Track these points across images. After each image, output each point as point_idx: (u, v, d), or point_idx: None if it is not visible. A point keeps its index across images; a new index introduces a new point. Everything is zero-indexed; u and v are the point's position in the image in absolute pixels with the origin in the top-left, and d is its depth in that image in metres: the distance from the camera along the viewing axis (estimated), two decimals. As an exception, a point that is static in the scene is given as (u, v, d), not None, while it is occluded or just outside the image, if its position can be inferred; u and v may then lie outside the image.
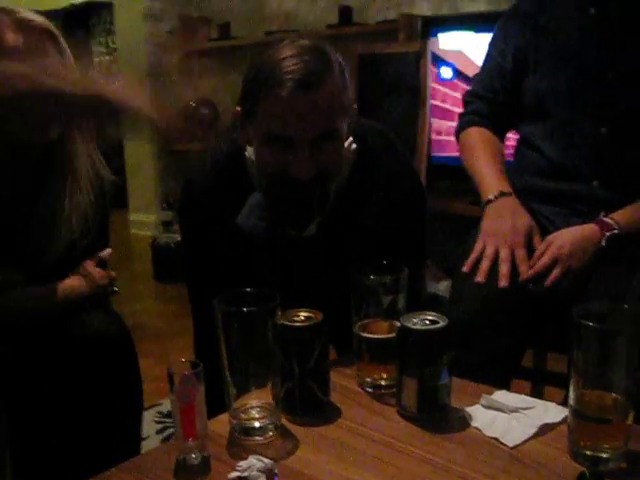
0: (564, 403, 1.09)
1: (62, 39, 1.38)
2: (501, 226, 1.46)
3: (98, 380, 1.38)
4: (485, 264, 1.41)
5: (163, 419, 2.30)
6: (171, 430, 2.21)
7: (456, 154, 1.76)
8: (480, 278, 1.40)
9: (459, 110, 1.78)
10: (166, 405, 2.33)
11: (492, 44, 1.66)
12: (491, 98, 1.64)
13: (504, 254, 1.41)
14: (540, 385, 1.84)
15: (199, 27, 4.44)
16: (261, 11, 4.15)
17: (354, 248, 1.33)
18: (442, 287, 2.87)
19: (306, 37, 1.27)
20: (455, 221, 2.73)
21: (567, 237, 1.41)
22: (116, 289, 1.59)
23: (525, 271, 1.39)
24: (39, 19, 1.34)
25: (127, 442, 1.42)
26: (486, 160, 1.58)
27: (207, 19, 4.43)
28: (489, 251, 1.43)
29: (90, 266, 1.51)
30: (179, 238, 4.00)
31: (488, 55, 1.67)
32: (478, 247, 1.45)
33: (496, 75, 1.63)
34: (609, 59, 1.48)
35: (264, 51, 1.25)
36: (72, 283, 1.46)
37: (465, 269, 1.44)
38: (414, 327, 1.03)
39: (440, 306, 1.62)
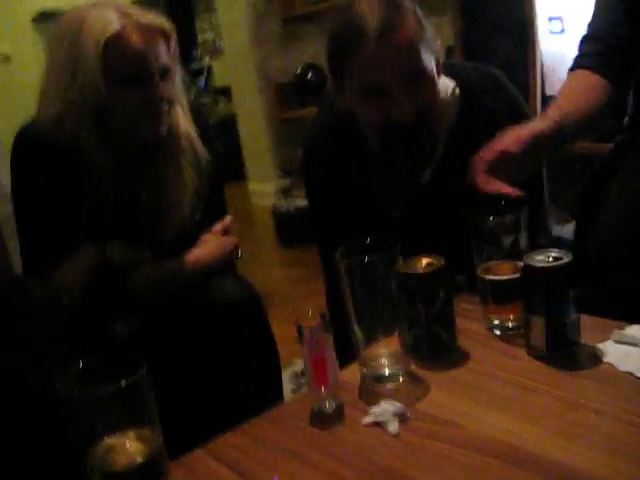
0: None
1: (174, 35, 1.42)
2: None
3: (234, 343, 1.44)
4: None
5: (297, 379, 2.37)
6: (306, 389, 2.28)
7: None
8: None
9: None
10: (300, 365, 2.40)
11: None
12: (609, 35, 1.48)
13: None
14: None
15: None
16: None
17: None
18: (567, 230, 2.78)
19: None
20: (576, 161, 2.63)
21: None
22: (241, 254, 1.65)
23: None
24: (157, 20, 1.38)
25: (270, 401, 1.48)
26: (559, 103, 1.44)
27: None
28: None
29: (212, 235, 1.57)
30: (299, 203, 4.09)
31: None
32: None
33: (615, 12, 1.48)
34: None
35: (339, 13, 1.31)
36: (197, 253, 1.53)
37: None
38: (538, 265, 1.01)
39: (565, 248, 1.58)
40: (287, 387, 2.30)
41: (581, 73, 1.49)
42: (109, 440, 0.74)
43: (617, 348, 1.03)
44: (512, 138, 1.26)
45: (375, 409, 0.95)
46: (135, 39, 1.32)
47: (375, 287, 1.00)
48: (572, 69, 1.53)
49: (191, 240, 1.53)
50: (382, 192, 1.41)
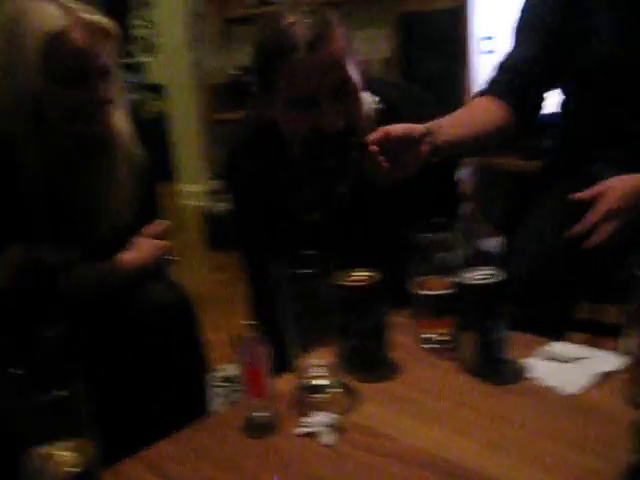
0: (619, 352, 1.10)
1: (118, 36, 1.40)
2: None
3: (163, 348, 1.43)
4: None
5: (224, 384, 2.35)
6: (233, 395, 2.28)
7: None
8: None
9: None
10: (230, 370, 2.39)
11: (523, 19, 1.57)
12: (524, 68, 1.53)
13: None
14: (595, 336, 1.84)
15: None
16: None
17: (390, 207, 1.36)
18: (493, 244, 2.86)
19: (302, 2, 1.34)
20: (504, 178, 2.71)
21: (623, 189, 1.38)
22: (173, 258, 1.63)
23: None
24: (101, 20, 1.35)
25: (195, 406, 1.48)
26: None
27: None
28: None
29: (144, 238, 1.55)
30: (228, 207, 4.07)
31: (519, 28, 1.58)
32: None
33: (529, 49, 1.53)
34: None
35: (265, 23, 1.33)
36: (129, 256, 1.50)
37: None
38: (472, 282, 1.04)
39: (492, 263, 1.63)
40: (217, 392, 2.29)
41: (480, 101, 1.54)
42: (42, 450, 0.73)
43: (542, 364, 1.08)
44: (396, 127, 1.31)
45: (308, 420, 0.96)
46: (78, 37, 1.29)
47: (311, 299, 1.02)
48: (481, 93, 1.57)
49: (123, 242, 1.51)
50: (301, 199, 1.43)
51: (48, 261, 1.43)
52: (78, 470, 0.74)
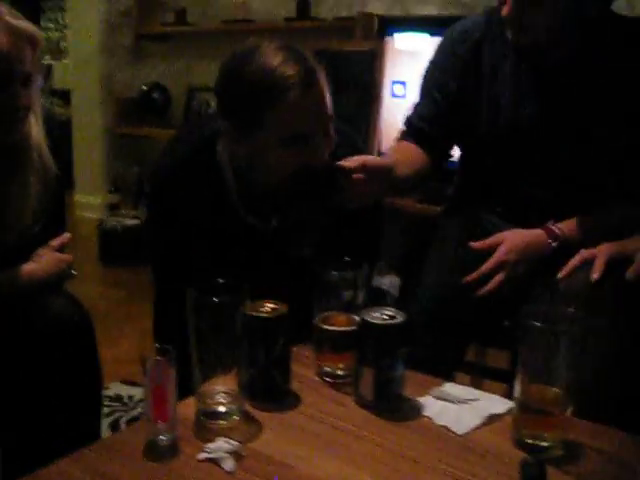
0: (506, 396, 1.18)
1: (42, 43, 1.38)
2: None
3: (60, 363, 1.40)
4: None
5: (110, 403, 2.32)
6: (118, 414, 2.25)
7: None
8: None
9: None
10: (113, 389, 2.36)
11: (427, 77, 1.67)
12: (424, 128, 1.65)
13: None
14: (479, 378, 1.94)
15: (154, 10, 4.42)
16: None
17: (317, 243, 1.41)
18: (387, 282, 2.94)
19: (273, 39, 1.35)
20: (401, 218, 2.81)
21: (514, 241, 1.48)
22: (74, 272, 1.61)
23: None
24: (26, 25, 1.34)
25: (88, 425, 1.46)
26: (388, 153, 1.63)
27: (163, 3, 4.40)
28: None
29: (48, 250, 1.53)
30: (127, 222, 4.01)
31: (424, 85, 1.68)
32: None
33: (430, 107, 1.64)
34: (545, 116, 1.51)
35: (247, 61, 1.31)
36: (31, 268, 1.48)
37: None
38: (374, 321, 1.09)
39: (384, 299, 1.70)
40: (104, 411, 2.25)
41: (407, 144, 1.64)
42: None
43: (435, 403, 1.14)
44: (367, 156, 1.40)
45: (210, 445, 0.97)
46: (3, 41, 1.27)
47: (220, 326, 1.04)
48: (400, 138, 1.68)
49: (27, 253, 1.48)
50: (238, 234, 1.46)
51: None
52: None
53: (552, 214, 1.51)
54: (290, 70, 1.28)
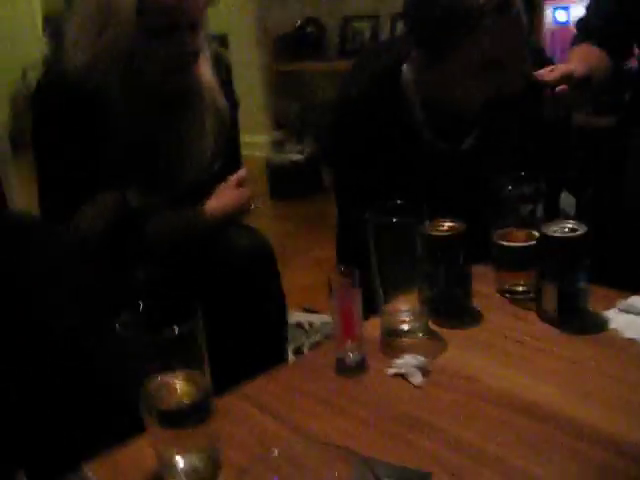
0: None
1: None
2: None
3: (248, 292, 1.50)
4: None
5: (292, 330, 2.43)
6: (300, 341, 2.36)
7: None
8: None
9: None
10: (293, 317, 2.47)
11: None
12: (606, 19, 1.57)
13: None
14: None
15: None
16: None
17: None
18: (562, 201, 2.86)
19: None
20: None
21: None
22: (254, 206, 1.69)
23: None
24: None
25: (276, 349, 1.56)
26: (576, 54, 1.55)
27: None
28: None
29: (229, 186, 1.61)
30: (293, 157, 4.12)
31: None
32: None
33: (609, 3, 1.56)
34: None
35: None
36: (215, 204, 1.57)
37: None
38: (555, 234, 1.07)
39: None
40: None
41: (588, 47, 1.56)
42: (160, 380, 0.79)
43: (622, 316, 1.11)
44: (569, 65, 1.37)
45: (398, 361, 1.01)
46: None
47: (401, 246, 1.06)
48: (574, 44, 1.60)
49: (208, 190, 1.57)
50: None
51: (137, 207, 1.50)
52: (193, 401, 0.80)
53: None
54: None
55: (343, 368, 1.03)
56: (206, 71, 1.53)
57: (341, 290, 1.00)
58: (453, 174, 1.47)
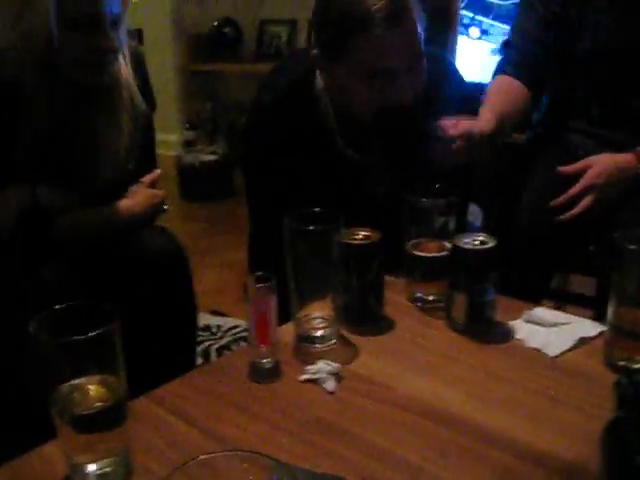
0: (596, 319, 1.19)
1: None
2: None
3: (158, 294, 1.48)
4: None
5: (200, 333, 2.41)
6: (208, 343, 2.34)
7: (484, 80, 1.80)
8: None
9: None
10: (201, 319, 2.44)
11: None
12: (529, 46, 1.62)
13: None
14: (564, 305, 1.94)
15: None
16: None
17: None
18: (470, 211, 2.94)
19: None
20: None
21: (604, 165, 1.46)
22: (166, 207, 1.67)
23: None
24: None
25: (185, 352, 1.54)
26: (491, 102, 1.55)
27: None
28: None
29: (142, 186, 1.59)
30: (204, 157, 4.08)
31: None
32: None
33: (536, 24, 1.61)
34: None
35: None
36: (128, 203, 1.54)
37: None
38: (466, 247, 1.11)
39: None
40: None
41: (506, 79, 1.61)
42: (73, 384, 0.78)
43: (526, 327, 1.16)
44: (474, 124, 1.38)
45: (311, 367, 1.02)
46: None
47: (317, 254, 1.07)
48: (496, 73, 1.65)
49: (123, 189, 1.55)
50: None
51: (47, 203, 1.46)
52: (106, 405, 0.79)
53: None
54: (380, 2, 1.27)
55: (257, 374, 1.03)
56: (125, 68, 1.51)
57: (257, 296, 1.00)
58: (365, 183, 1.49)
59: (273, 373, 1.03)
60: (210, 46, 4.45)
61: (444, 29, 2.88)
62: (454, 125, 1.36)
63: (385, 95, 1.33)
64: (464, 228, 1.35)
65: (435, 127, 1.35)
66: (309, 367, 1.03)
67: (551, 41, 1.59)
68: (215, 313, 2.56)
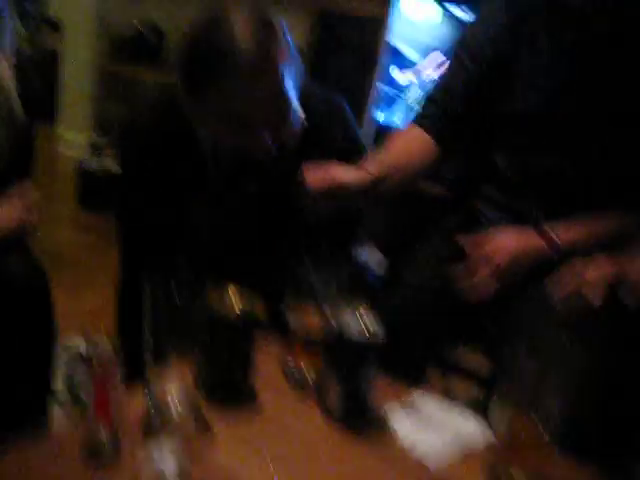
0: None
1: None
2: None
3: (18, 325, 1.36)
4: None
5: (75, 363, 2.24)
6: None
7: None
8: None
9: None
10: (71, 346, 2.27)
11: (461, 46, 1.52)
12: (449, 104, 1.50)
13: None
14: (453, 377, 1.88)
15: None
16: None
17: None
18: (370, 258, 2.88)
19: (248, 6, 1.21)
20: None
21: (509, 248, 1.37)
22: (35, 232, 1.51)
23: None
24: None
25: (39, 381, 1.44)
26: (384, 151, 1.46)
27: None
28: None
29: (9, 199, 1.43)
30: (109, 166, 3.86)
31: (455, 56, 1.52)
32: None
33: (460, 82, 1.49)
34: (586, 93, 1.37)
35: (205, 26, 1.19)
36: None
37: None
38: (352, 338, 1.00)
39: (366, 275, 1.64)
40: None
41: (417, 131, 1.52)
42: None
43: (405, 420, 1.07)
44: (344, 173, 1.27)
45: (155, 449, 0.89)
46: None
47: (178, 316, 0.94)
48: (412, 122, 1.56)
49: None
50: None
51: None
52: None
53: (559, 189, 1.40)
54: (243, 46, 1.13)
55: (92, 454, 0.89)
56: (4, 71, 1.36)
57: (97, 382, 0.87)
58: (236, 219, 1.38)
59: (111, 452, 0.89)
60: (132, 50, 4.26)
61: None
62: (322, 174, 1.25)
63: (240, 143, 1.22)
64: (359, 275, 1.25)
65: (302, 176, 1.24)
66: (154, 448, 0.89)
67: (476, 100, 1.50)
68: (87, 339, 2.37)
